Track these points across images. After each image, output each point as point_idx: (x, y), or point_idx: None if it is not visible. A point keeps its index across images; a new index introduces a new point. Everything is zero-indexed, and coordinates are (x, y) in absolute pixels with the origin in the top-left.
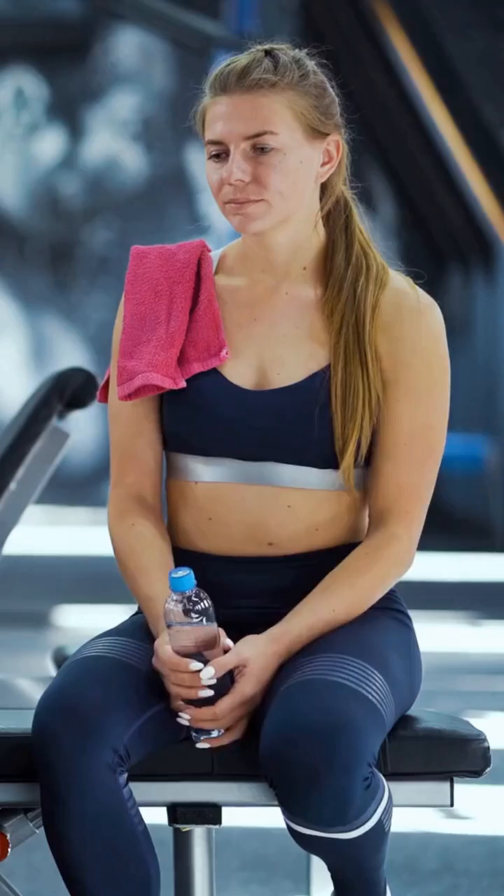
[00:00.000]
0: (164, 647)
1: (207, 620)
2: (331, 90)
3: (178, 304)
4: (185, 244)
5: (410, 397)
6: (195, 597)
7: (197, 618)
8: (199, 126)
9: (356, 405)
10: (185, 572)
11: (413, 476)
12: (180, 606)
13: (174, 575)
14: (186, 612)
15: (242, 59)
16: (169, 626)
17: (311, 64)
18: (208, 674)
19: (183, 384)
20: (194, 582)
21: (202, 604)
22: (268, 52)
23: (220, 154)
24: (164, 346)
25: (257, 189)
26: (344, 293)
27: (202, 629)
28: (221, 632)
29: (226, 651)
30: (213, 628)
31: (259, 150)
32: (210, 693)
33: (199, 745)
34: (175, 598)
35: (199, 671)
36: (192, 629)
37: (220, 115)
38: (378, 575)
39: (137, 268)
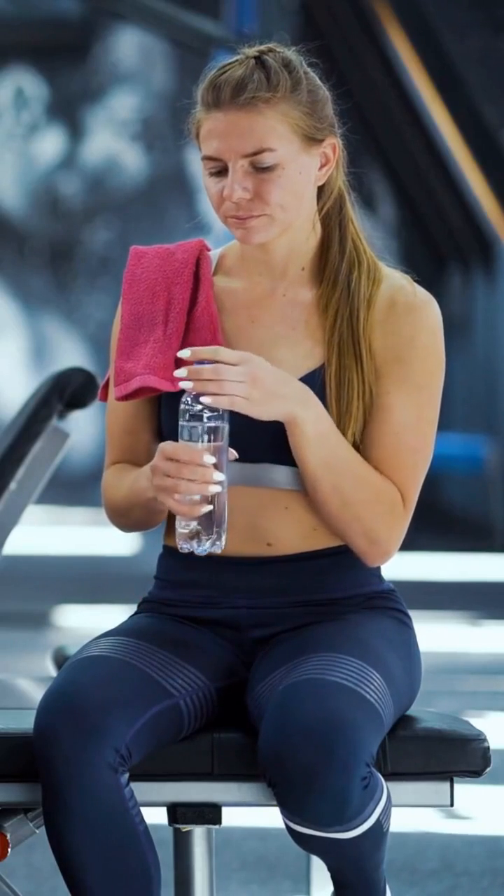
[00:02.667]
0: (173, 443)
1: (221, 422)
2: (323, 90)
3: (176, 304)
4: (184, 244)
5: (405, 390)
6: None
7: (210, 415)
8: (194, 138)
9: (351, 397)
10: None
11: (406, 464)
12: (197, 406)
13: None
14: (199, 414)
15: (234, 71)
16: (182, 425)
17: (301, 66)
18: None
19: (180, 386)
20: None
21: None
22: (258, 59)
23: (219, 170)
24: (162, 348)
25: (259, 205)
26: (339, 286)
27: (214, 427)
28: (232, 452)
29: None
30: (222, 443)
31: (258, 166)
32: (219, 488)
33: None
34: (193, 395)
35: (211, 465)
36: (203, 426)
37: (215, 132)
38: (380, 490)
39: (135, 268)
